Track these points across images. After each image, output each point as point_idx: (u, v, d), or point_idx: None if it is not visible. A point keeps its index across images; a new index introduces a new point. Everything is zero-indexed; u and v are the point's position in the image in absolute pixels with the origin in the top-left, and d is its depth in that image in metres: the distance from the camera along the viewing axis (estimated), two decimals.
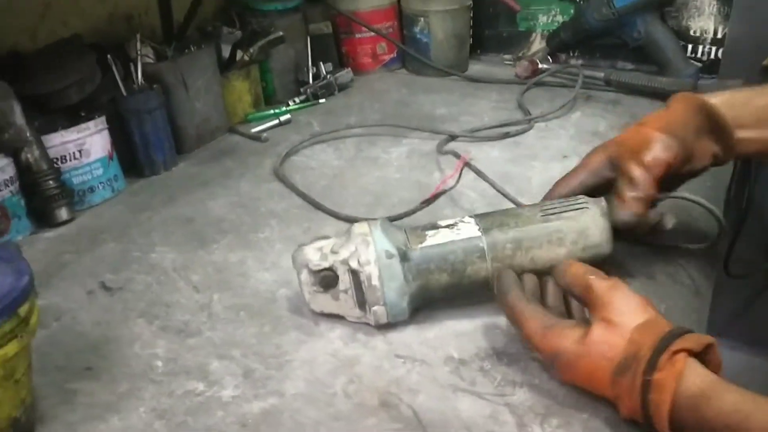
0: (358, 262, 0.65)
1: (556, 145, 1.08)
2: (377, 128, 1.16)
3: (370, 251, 0.65)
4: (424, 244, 0.67)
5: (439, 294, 0.68)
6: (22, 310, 0.50)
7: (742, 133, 0.71)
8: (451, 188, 0.79)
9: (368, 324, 0.68)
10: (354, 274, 0.66)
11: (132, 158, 1.04)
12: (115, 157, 0.99)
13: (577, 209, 0.69)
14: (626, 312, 0.56)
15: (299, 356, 0.65)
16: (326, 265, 0.66)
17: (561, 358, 0.57)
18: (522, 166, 1.01)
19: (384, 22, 1.42)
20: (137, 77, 1.02)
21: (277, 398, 0.60)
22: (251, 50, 1.22)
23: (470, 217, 0.70)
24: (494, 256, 0.67)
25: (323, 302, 0.68)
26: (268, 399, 0.60)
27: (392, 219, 0.85)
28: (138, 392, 0.61)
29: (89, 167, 0.95)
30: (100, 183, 0.97)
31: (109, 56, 0.99)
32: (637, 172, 0.69)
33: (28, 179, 0.88)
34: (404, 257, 0.66)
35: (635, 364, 0.52)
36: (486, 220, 0.69)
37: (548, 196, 0.75)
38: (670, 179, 0.71)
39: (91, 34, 1.07)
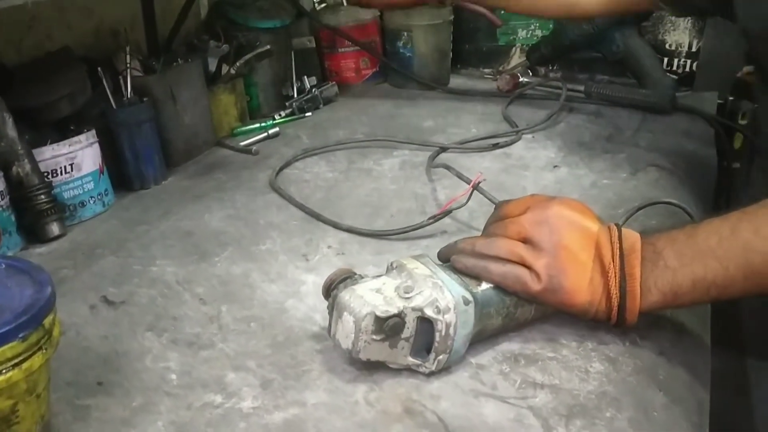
0: (437, 309, 0.58)
1: (545, 156, 1.09)
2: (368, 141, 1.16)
3: (447, 297, 0.58)
4: (483, 287, 0.62)
5: (484, 338, 0.64)
6: (47, 322, 0.49)
7: None
8: (462, 206, 0.79)
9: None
10: (423, 321, 0.58)
11: (121, 172, 1.02)
12: (106, 171, 0.97)
13: None
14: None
15: (316, 366, 0.64)
16: (394, 311, 0.58)
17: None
18: (515, 176, 1.02)
19: (366, 37, 1.43)
20: (127, 90, 1.01)
21: (298, 408, 0.59)
22: (237, 63, 1.22)
23: None
24: None
25: (377, 351, 0.60)
26: (289, 409, 0.59)
27: (398, 232, 0.85)
28: (154, 406, 0.60)
29: (80, 181, 0.93)
30: (91, 197, 0.95)
31: (99, 69, 0.97)
32: None
33: (18, 194, 0.86)
34: (475, 302, 0.60)
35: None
36: None
37: None
38: None
39: (77, 47, 1.05)
